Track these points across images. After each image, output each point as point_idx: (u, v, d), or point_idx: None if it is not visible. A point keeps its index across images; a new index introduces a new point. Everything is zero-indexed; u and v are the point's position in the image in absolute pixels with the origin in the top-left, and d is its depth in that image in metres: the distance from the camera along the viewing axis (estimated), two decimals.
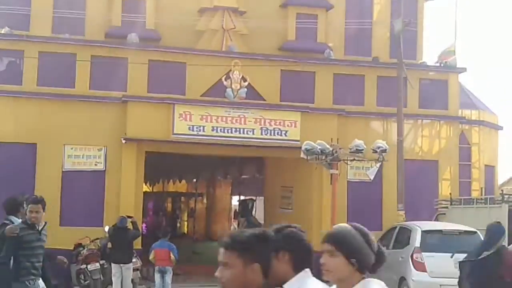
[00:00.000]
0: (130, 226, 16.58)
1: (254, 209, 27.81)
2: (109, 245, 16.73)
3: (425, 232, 15.41)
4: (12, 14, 19.79)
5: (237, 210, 31.34)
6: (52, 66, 19.60)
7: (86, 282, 16.70)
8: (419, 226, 15.84)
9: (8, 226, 8.50)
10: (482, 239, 14.99)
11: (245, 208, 28.28)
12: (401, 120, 19.96)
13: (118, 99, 19.30)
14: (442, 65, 22.79)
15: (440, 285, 14.27)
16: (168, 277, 15.46)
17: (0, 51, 19.66)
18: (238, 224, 29.40)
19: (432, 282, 14.48)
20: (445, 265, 14.50)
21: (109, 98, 19.44)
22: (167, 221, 31.43)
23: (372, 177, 19.09)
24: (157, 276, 15.43)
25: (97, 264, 16.66)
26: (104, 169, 19.26)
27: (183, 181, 37.23)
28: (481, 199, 18.85)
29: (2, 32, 19.55)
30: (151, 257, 15.63)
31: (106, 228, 17.16)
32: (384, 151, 16.55)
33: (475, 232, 15.14)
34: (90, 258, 16.84)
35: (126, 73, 19.75)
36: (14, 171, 18.63)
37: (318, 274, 2.98)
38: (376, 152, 16.80)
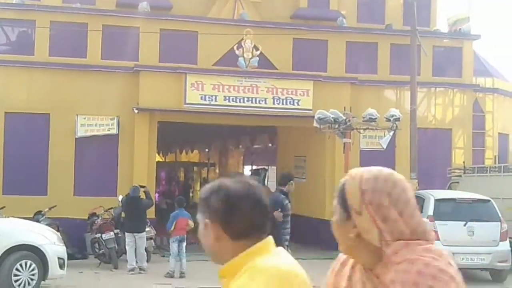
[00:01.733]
0: (143, 195, 16.72)
1: (266, 179, 27.94)
2: (123, 214, 16.92)
3: (438, 201, 15.43)
4: None
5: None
6: (63, 36, 19.65)
7: (101, 251, 16.86)
8: (432, 195, 15.86)
9: (275, 212, 10.77)
10: (496, 207, 15.09)
11: (257, 177, 28.41)
12: (414, 88, 19.85)
13: (130, 68, 19.31)
14: (456, 30, 22.60)
15: (454, 253, 14.31)
16: (183, 245, 15.67)
17: (11, 21, 19.71)
18: None
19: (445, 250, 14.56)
20: (458, 233, 14.51)
21: (121, 68, 19.46)
22: (179, 190, 31.61)
23: (385, 146, 19.07)
24: (175, 245, 15.56)
25: (112, 233, 16.78)
26: (117, 133, 19.30)
27: (195, 151, 37.43)
28: (495, 167, 18.83)
29: (14, 1, 19.56)
30: (173, 227, 15.74)
31: (120, 198, 17.31)
32: (398, 119, 16.50)
33: (489, 201, 15.18)
34: (105, 227, 16.96)
35: (138, 43, 19.75)
36: (27, 140, 18.85)
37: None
38: (389, 120, 16.76)
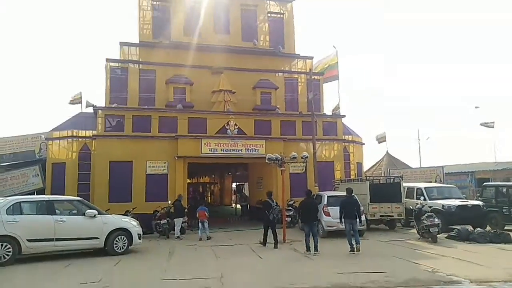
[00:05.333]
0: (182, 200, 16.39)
1: (243, 189, 27.79)
2: (171, 210, 16.61)
3: (329, 196, 15.55)
4: None
5: (235, 189, 31.36)
6: (137, 123, 19.38)
7: (160, 229, 16.53)
8: (325, 193, 15.98)
9: None
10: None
11: (239, 188, 28.26)
12: (314, 142, 20.14)
13: (173, 137, 19.23)
14: (333, 113, 23.03)
15: (337, 222, 14.23)
16: (206, 224, 15.39)
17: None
18: (236, 197, 29.37)
19: (333, 221, 14.56)
20: (337, 213, 14.50)
21: (168, 137, 19.37)
22: (200, 197, 31.16)
23: (302, 171, 19.13)
24: (200, 225, 15.34)
25: (165, 220, 16.48)
26: (167, 173, 19.10)
27: (207, 177, 37.11)
28: (356, 179, 19.01)
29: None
30: (197, 215, 15.53)
31: (169, 202, 17.02)
32: (307, 157, 16.65)
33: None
34: (162, 216, 16.68)
35: (177, 125, 19.68)
36: (120, 177, 18.48)
37: None
38: (303, 158, 16.93)
